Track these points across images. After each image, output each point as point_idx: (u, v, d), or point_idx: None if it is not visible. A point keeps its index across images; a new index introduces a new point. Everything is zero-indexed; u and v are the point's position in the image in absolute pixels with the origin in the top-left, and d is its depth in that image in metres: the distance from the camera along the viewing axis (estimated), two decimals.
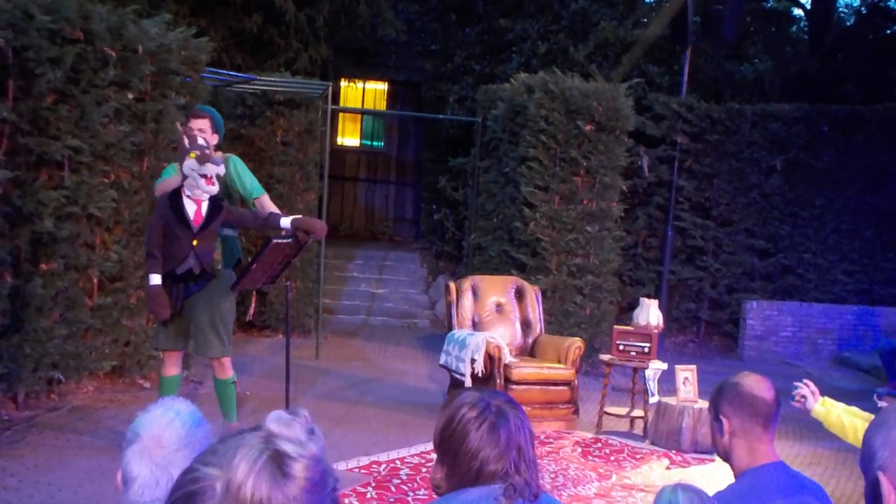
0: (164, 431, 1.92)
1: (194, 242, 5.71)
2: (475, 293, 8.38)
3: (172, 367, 6.02)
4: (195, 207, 5.67)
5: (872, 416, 2.43)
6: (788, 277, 12.84)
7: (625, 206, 10.87)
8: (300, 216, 6.05)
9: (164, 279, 5.70)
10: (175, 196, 5.65)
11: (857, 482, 6.63)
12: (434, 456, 2.34)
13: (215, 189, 5.65)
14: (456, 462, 2.25)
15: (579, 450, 7.12)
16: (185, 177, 5.59)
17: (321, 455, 1.32)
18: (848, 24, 18.82)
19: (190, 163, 5.54)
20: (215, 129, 5.99)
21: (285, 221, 5.79)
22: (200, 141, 5.66)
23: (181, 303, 5.82)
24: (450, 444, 2.26)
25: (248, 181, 6.08)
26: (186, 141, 5.60)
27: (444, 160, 14.73)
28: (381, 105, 16.94)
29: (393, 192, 16.96)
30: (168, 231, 5.65)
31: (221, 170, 5.68)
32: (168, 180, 5.83)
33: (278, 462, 1.27)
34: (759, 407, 2.72)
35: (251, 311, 7.77)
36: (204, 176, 5.55)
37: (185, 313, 5.88)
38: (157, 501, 1.90)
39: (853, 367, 11.75)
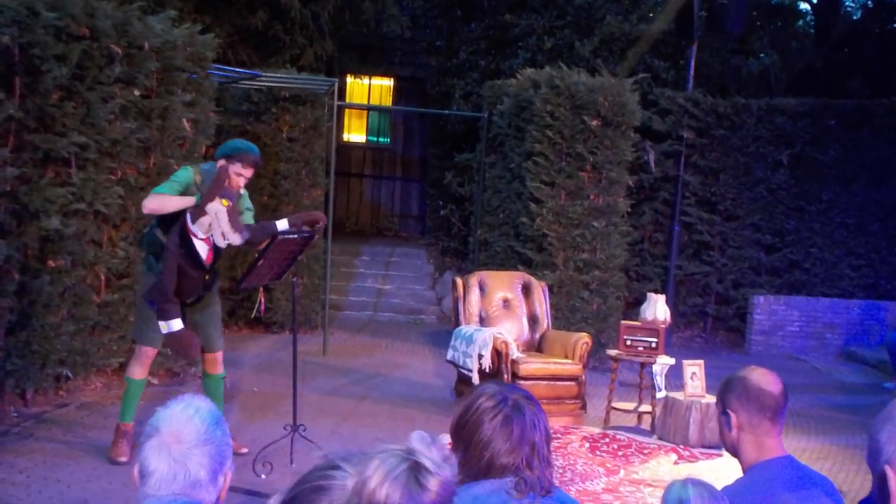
0: (183, 427, 1.93)
1: (206, 277, 5.74)
2: (482, 289, 8.37)
3: (145, 370, 5.96)
4: (206, 248, 5.60)
5: None
6: (795, 272, 12.82)
7: (631, 202, 10.84)
8: (295, 214, 6.05)
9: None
10: (185, 240, 5.51)
11: (866, 476, 6.62)
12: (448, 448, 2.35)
13: (224, 244, 5.58)
14: (468, 451, 2.26)
15: (587, 445, 7.11)
16: (203, 212, 5.44)
17: (453, 480, 1.36)
18: (854, 18, 18.77)
19: (219, 208, 5.37)
20: None
21: (282, 224, 5.79)
22: (236, 192, 5.62)
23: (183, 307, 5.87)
24: (464, 433, 2.28)
25: (248, 215, 6.01)
26: (226, 184, 5.50)
27: (450, 156, 14.73)
28: (387, 101, 16.95)
29: (399, 188, 16.97)
30: (181, 273, 5.53)
31: (239, 241, 5.60)
32: (171, 199, 5.54)
33: (416, 473, 1.31)
34: (767, 401, 2.72)
35: (261, 307, 7.77)
36: (223, 235, 5.50)
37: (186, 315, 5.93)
38: (174, 496, 1.90)
39: (860, 362, 11.74)
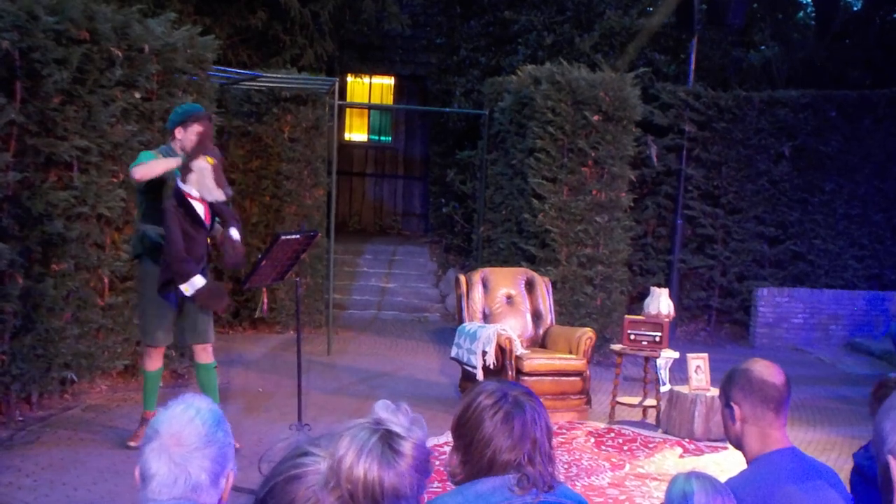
0: (183, 429, 1.90)
1: (208, 240, 5.82)
2: (485, 286, 8.38)
3: (159, 360, 6.17)
4: (202, 207, 5.75)
5: None
6: (799, 264, 12.80)
7: (633, 196, 10.85)
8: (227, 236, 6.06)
9: (173, 283, 5.78)
10: (182, 200, 5.67)
11: None
12: (447, 448, 2.35)
13: (210, 198, 5.71)
14: (470, 449, 2.26)
15: (592, 440, 7.12)
16: (189, 169, 5.61)
17: (425, 440, 1.36)
18: (855, 8, 18.72)
19: (204, 165, 5.56)
20: None
21: (235, 233, 5.90)
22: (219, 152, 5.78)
23: (179, 297, 5.96)
24: (465, 431, 2.28)
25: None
26: (209, 144, 5.65)
27: (452, 153, 14.73)
28: (388, 100, 16.95)
29: (401, 187, 16.97)
30: (187, 235, 5.67)
31: (222, 197, 5.76)
32: (154, 164, 5.70)
33: (389, 441, 1.31)
34: (770, 392, 2.72)
35: (264, 307, 7.78)
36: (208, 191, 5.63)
37: (181, 306, 6.02)
38: (175, 500, 1.89)
39: (865, 353, 11.73)
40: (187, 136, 5.86)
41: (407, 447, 1.33)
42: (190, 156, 5.61)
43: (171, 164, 5.68)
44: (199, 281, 5.60)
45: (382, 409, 1.37)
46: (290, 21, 12.54)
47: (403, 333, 11.52)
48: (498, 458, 2.23)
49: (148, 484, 1.90)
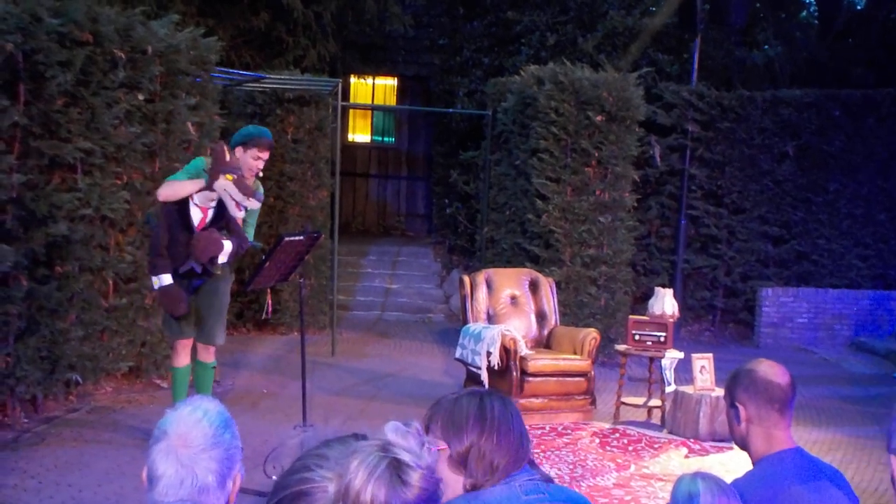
0: (191, 430, 1.89)
1: (190, 243, 5.87)
2: (489, 286, 8.37)
3: (185, 357, 6.16)
4: (201, 215, 5.82)
5: None
6: (803, 264, 12.79)
7: (637, 196, 10.84)
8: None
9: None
10: (182, 202, 5.74)
11: (877, 468, 6.62)
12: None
13: (242, 214, 5.78)
14: (475, 462, 2.24)
15: (597, 440, 7.11)
16: (210, 190, 5.66)
17: (434, 466, 1.36)
18: (858, 7, 18.70)
19: (225, 183, 5.60)
20: None
21: (227, 243, 5.92)
22: (237, 164, 5.80)
23: (191, 294, 5.99)
24: (468, 453, 2.25)
25: (253, 222, 6.28)
26: (227, 159, 5.68)
27: (455, 154, 14.73)
28: (391, 100, 16.95)
29: (404, 187, 16.97)
30: (172, 234, 5.77)
31: (256, 204, 5.82)
32: (183, 185, 5.77)
33: (397, 470, 1.31)
34: (775, 392, 2.72)
35: (268, 308, 7.78)
36: (240, 205, 5.69)
37: (193, 303, 6.03)
38: (181, 502, 1.88)
39: (869, 352, 11.71)
40: (245, 157, 5.96)
41: (415, 478, 1.32)
42: (210, 178, 5.66)
43: (195, 186, 5.73)
44: (165, 279, 5.75)
45: (392, 432, 1.36)
46: (292, 22, 12.55)
47: (407, 334, 11.52)
48: (502, 463, 2.23)
49: (155, 485, 1.89)
